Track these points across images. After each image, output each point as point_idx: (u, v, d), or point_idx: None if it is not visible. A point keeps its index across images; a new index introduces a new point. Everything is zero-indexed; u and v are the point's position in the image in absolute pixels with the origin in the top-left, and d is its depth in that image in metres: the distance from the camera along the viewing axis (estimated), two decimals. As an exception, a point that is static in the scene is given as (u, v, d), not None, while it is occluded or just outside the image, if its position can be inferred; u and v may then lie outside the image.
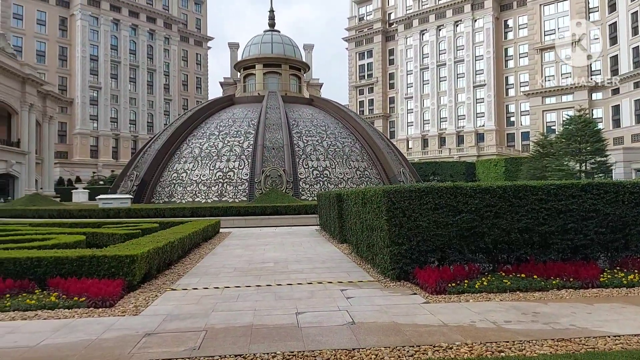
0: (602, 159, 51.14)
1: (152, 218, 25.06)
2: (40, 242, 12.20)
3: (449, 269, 8.65)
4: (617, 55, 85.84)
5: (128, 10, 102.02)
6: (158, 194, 38.38)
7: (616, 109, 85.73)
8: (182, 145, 39.53)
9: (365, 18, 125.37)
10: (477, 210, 9.16)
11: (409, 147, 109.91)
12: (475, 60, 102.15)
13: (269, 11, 51.51)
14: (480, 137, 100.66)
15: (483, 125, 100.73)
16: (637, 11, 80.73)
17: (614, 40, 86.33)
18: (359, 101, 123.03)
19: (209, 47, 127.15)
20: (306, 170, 34.89)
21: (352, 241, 13.22)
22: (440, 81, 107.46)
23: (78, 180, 74.79)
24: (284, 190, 31.83)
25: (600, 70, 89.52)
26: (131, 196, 33.60)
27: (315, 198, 32.54)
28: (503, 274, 8.91)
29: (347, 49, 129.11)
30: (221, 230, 22.59)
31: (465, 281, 8.35)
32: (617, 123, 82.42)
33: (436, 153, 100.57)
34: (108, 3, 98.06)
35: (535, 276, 8.57)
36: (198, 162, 36.94)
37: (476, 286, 8.14)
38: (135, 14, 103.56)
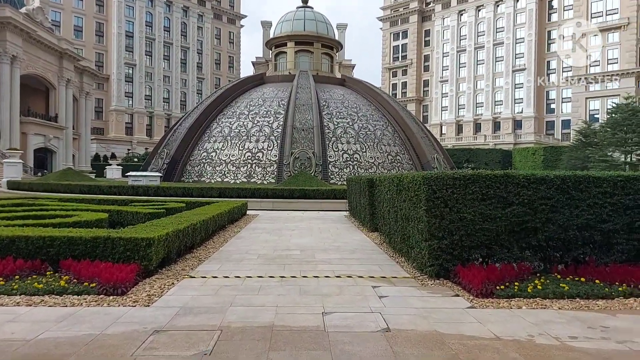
0: (650, 150, 48.11)
1: (180, 197, 24.82)
2: (61, 218, 11.85)
3: (496, 268, 7.67)
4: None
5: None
6: (188, 172, 38.32)
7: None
8: (212, 124, 39.19)
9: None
10: (530, 202, 8.08)
11: (443, 132, 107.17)
12: (516, 43, 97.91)
13: (303, -13, 50.10)
14: (517, 124, 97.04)
15: (521, 112, 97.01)
16: (694, -7, 75.13)
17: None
18: (392, 83, 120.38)
19: (242, 26, 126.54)
20: (336, 153, 33.96)
21: (384, 230, 12.32)
22: (477, 64, 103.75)
23: (113, 156, 76.26)
24: (312, 174, 31.05)
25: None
26: (160, 174, 33.54)
27: (345, 182, 31.69)
28: (558, 276, 7.86)
29: (381, 29, 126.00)
30: (248, 212, 22.07)
31: (516, 283, 7.35)
32: (667, 113, 77.75)
33: (471, 139, 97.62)
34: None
35: (597, 281, 7.49)
36: (228, 142, 36.53)
37: (529, 290, 7.14)
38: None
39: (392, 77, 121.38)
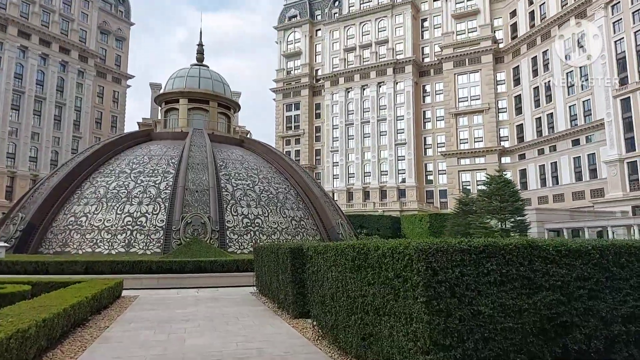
0: (521, 218, 52.02)
1: (31, 275, 18.96)
2: None
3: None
4: (522, 124, 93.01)
5: (39, 38, 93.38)
6: (49, 241, 31.28)
7: (523, 173, 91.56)
8: (85, 184, 33.09)
9: (293, 72, 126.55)
10: (563, 285, 5.56)
11: (335, 199, 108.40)
12: (397, 120, 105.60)
13: (198, 45, 47.64)
14: (402, 193, 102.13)
15: (404, 182, 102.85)
16: (537, 86, 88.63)
17: (519, 110, 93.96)
18: (286, 151, 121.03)
19: (129, 86, 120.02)
20: (235, 217, 30.07)
21: (324, 321, 8.88)
22: (364, 137, 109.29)
23: (-48, 222, 62.49)
24: (208, 241, 26.69)
25: (508, 136, 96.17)
26: (7, 245, 26.48)
27: (247, 251, 27.84)
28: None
29: (274, 99, 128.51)
30: (125, 293, 17.10)
31: None
32: (524, 185, 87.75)
33: (361, 206, 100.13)
34: (16, 29, 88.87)
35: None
36: (102, 205, 30.70)
37: None
38: (47, 42, 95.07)
39: (286, 145, 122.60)
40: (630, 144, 67.48)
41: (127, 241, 28.66)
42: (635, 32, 66.40)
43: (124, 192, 30.83)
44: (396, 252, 5.65)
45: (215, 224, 28.11)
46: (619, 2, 69.11)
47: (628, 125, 67.70)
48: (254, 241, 28.98)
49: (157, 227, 28.82)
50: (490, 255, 5.33)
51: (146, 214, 29.32)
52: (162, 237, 28.10)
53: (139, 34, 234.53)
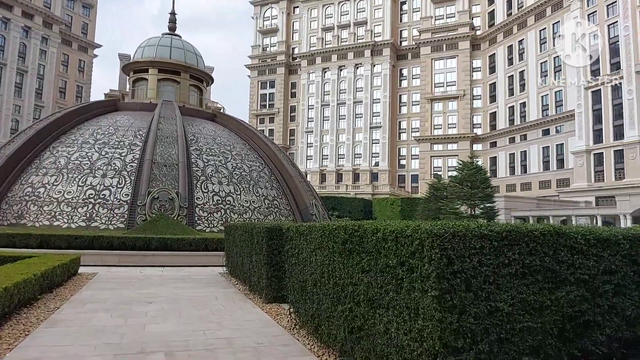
0: (490, 205, 52.69)
1: (-22, 247, 17.39)
2: None
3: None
4: (495, 112, 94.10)
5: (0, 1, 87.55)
6: (3, 212, 29.27)
7: (493, 160, 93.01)
8: (44, 153, 30.98)
9: (269, 49, 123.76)
10: (588, 279, 4.85)
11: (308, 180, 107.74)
12: (373, 103, 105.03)
13: (170, 13, 45.14)
14: (374, 176, 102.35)
15: (377, 165, 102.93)
16: (512, 75, 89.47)
17: (493, 98, 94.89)
18: (259, 130, 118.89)
19: (96, 55, 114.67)
20: (205, 195, 28.74)
21: (304, 308, 7.98)
22: (339, 119, 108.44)
23: None
24: (175, 218, 25.38)
25: (481, 124, 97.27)
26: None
27: (217, 230, 26.73)
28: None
29: (249, 76, 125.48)
30: (82, 269, 15.84)
31: None
32: (494, 173, 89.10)
33: (333, 188, 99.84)
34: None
35: None
36: (63, 176, 28.80)
37: None
38: (9, 6, 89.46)
39: (260, 123, 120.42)
40: (597, 136, 68.98)
41: (88, 215, 27.01)
42: (609, 25, 67.23)
43: (87, 164, 28.98)
44: (402, 235, 4.76)
45: (183, 201, 26.77)
46: (595, -6, 69.76)
47: (597, 117, 69.07)
48: (224, 220, 27.84)
49: (121, 202, 27.25)
50: (513, 242, 4.52)
51: (110, 187, 27.65)
52: (127, 212, 26.57)
53: (108, 3, 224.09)
